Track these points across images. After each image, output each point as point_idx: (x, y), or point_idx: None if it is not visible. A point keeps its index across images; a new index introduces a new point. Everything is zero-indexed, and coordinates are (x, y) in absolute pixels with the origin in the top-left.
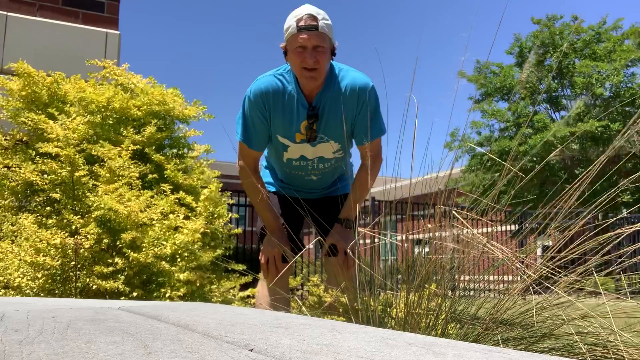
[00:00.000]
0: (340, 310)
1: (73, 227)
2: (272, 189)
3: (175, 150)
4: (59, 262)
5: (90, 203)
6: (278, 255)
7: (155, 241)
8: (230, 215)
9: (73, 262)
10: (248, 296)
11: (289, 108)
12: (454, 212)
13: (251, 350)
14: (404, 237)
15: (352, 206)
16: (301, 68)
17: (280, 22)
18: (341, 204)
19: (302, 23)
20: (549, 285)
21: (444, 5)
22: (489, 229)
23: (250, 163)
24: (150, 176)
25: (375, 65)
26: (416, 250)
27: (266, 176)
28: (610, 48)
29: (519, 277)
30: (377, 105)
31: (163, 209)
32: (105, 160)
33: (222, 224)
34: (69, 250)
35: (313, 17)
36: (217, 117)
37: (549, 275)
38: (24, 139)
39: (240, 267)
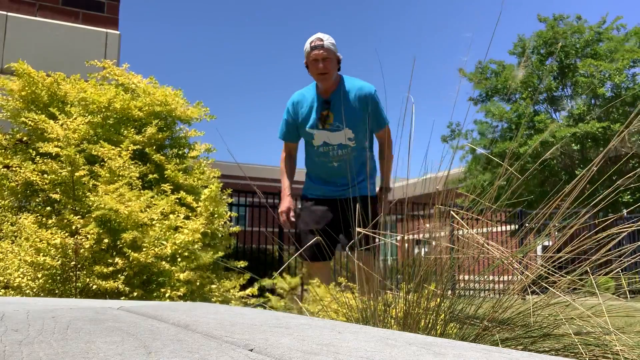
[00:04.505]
0: (340, 311)
1: (73, 227)
2: (313, 195)
3: (175, 150)
4: (59, 262)
5: (90, 203)
6: (287, 211)
7: (156, 241)
8: (229, 214)
9: (73, 262)
10: (248, 295)
11: (310, 105)
12: (452, 212)
13: (251, 350)
14: (401, 237)
15: (386, 175)
16: (316, 73)
17: (281, 21)
18: (364, 205)
19: (313, 44)
20: (546, 285)
21: (450, 5)
22: (488, 229)
23: (285, 150)
24: (150, 176)
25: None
26: (415, 250)
27: (307, 188)
28: (612, 48)
29: (517, 277)
30: (380, 103)
31: (163, 209)
32: (106, 160)
33: (222, 223)
34: (69, 250)
35: (320, 39)
36: (219, 117)
37: (547, 275)
38: (24, 138)
39: (241, 263)
